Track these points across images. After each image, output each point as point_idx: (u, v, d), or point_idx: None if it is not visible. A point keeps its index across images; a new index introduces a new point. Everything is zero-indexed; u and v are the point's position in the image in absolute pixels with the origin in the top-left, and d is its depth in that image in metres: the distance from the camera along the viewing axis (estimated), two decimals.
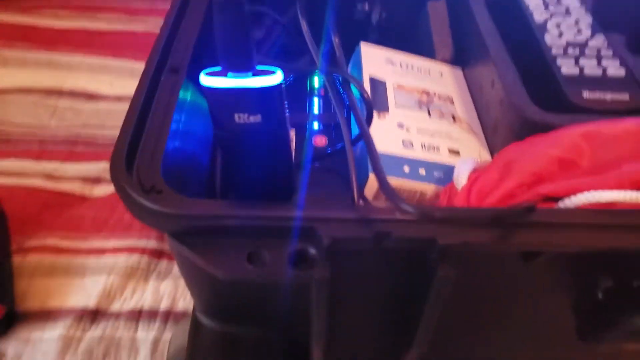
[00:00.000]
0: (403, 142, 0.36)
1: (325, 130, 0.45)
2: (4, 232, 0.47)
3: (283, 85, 0.21)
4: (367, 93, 0.31)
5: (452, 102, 0.41)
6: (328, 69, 0.31)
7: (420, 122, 0.38)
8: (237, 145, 0.22)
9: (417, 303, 0.25)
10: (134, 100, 0.28)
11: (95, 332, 0.42)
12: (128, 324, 0.42)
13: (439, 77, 0.43)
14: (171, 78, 0.30)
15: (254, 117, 0.21)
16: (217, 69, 0.20)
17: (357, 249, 0.23)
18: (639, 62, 0.37)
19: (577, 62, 0.36)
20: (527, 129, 0.32)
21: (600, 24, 0.40)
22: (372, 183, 0.33)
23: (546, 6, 0.41)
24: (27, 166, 0.54)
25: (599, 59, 0.37)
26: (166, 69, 0.30)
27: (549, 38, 0.38)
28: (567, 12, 0.41)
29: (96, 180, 0.53)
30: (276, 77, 0.20)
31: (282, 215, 0.22)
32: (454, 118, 0.39)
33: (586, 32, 0.39)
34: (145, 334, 0.42)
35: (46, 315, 0.43)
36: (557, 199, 0.27)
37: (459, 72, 0.45)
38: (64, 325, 0.42)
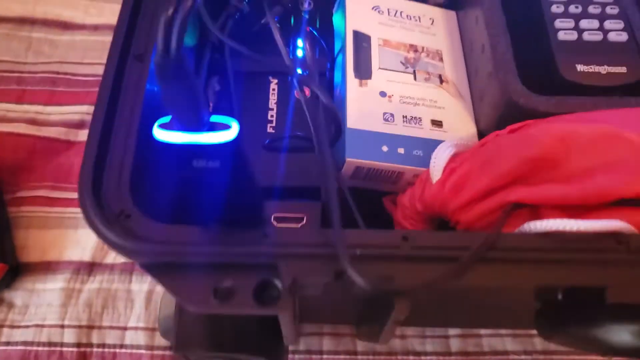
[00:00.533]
0: (384, 115, 0.35)
1: (307, 77, 0.43)
2: None
3: (238, 137, 0.19)
4: (334, 108, 0.29)
5: (440, 58, 0.38)
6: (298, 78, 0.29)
7: (405, 87, 0.36)
8: (198, 184, 0.21)
9: (376, 321, 0.26)
10: (97, 111, 0.26)
11: (92, 284, 0.44)
12: (122, 277, 0.44)
13: (429, 25, 0.40)
14: (136, 69, 0.28)
15: (213, 163, 0.20)
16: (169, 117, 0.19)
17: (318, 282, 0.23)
18: None
19: (577, 23, 0.33)
20: (511, 110, 0.31)
21: None
22: (348, 167, 0.33)
23: None
24: (10, 109, 0.53)
25: (601, 19, 0.33)
26: (130, 57, 0.28)
27: None
28: None
29: (80, 125, 0.52)
30: (232, 132, 0.19)
31: (247, 251, 0.22)
32: (441, 79, 0.37)
33: None
34: (139, 286, 0.44)
35: (46, 267, 0.45)
36: (525, 205, 0.27)
37: (452, 18, 0.41)
38: (64, 278, 0.44)
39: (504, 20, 0.34)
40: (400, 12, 0.40)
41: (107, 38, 0.57)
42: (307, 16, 0.43)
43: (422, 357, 0.42)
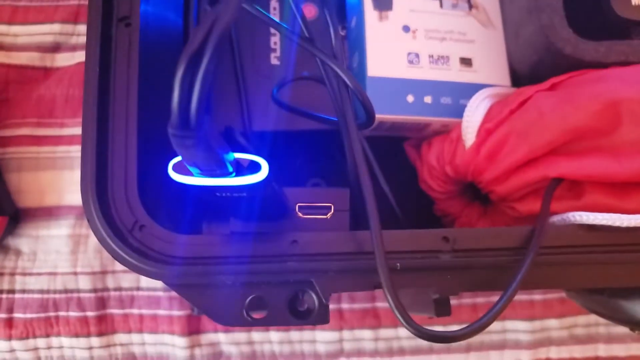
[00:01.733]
0: (408, 55, 0.31)
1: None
2: None
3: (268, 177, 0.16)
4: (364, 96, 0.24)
5: None
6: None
7: (430, 18, 0.31)
8: (222, 207, 0.19)
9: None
10: (87, 102, 0.22)
11: None
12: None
13: None
14: (124, 37, 0.23)
15: (238, 193, 0.17)
16: None
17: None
18: None
19: None
20: (554, 58, 0.27)
21: None
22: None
23: None
24: None
25: None
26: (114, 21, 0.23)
27: None
28: None
29: (54, 48, 0.47)
30: (261, 174, 0.16)
31: (279, 269, 0.20)
32: (470, 4, 0.32)
33: None
34: None
35: (47, 213, 0.43)
36: (564, 180, 0.25)
37: None
38: (68, 224, 0.43)
39: None
40: None
41: None
42: None
43: None
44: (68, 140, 0.45)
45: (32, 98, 0.45)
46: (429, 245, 0.22)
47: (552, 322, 0.42)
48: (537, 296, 0.42)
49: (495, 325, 0.42)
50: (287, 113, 0.31)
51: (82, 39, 0.48)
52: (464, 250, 0.21)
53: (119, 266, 0.42)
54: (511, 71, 0.32)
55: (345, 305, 0.42)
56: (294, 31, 0.26)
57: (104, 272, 0.42)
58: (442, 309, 0.21)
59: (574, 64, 0.27)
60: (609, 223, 0.22)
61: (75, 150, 0.45)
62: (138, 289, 0.42)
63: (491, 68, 0.31)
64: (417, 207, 0.34)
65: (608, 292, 0.26)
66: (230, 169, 0.16)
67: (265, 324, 0.21)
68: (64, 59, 0.47)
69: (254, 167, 0.16)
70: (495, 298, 0.20)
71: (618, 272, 0.22)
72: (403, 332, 0.43)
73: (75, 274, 0.42)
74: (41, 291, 0.42)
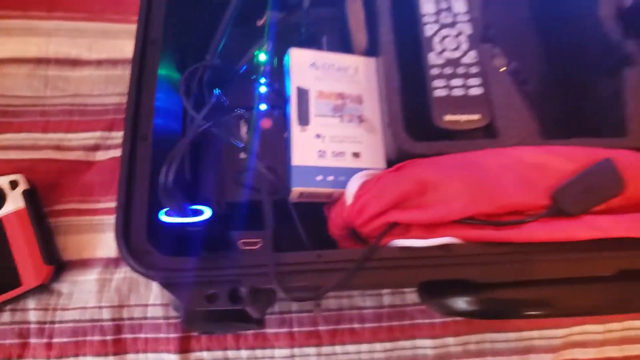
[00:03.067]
0: (318, 152, 0.49)
1: (271, 110, 0.56)
2: (39, 201, 0.62)
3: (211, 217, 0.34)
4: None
5: (361, 101, 0.52)
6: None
7: (334, 129, 0.50)
8: (189, 235, 0.36)
9: None
10: (120, 181, 0.40)
11: (119, 274, 0.60)
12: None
13: (353, 74, 0.53)
14: (142, 148, 0.42)
15: (197, 228, 0.35)
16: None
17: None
18: (499, 75, 0.47)
19: (448, 82, 0.47)
20: (399, 152, 0.45)
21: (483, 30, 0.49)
22: (294, 193, 0.47)
23: (437, 15, 0.50)
24: (38, 138, 0.67)
25: (466, 77, 0.47)
26: (138, 137, 0.42)
27: (432, 56, 0.48)
28: (453, 23, 0.49)
29: (95, 148, 0.66)
30: (206, 215, 0.34)
31: (221, 273, 0.37)
32: (360, 119, 0.51)
33: (463, 47, 0.48)
34: None
35: (83, 264, 0.61)
36: (398, 224, 0.41)
37: (372, 64, 0.54)
38: (97, 271, 0.60)
39: (398, 78, 0.47)
40: (331, 65, 0.53)
41: (110, 72, 0.71)
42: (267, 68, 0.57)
43: (363, 311, 0.58)
44: (102, 211, 0.63)
45: (78, 182, 0.64)
46: (309, 258, 0.38)
47: (450, 340, 0.57)
48: (437, 320, 0.57)
49: (407, 343, 0.57)
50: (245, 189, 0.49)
51: (115, 141, 0.68)
52: (328, 262, 0.38)
53: (132, 301, 0.59)
54: (387, 158, 0.49)
55: (295, 329, 0.58)
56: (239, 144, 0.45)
57: (121, 306, 0.59)
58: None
59: (411, 156, 0.45)
60: (411, 245, 0.38)
61: (107, 219, 0.63)
62: (145, 318, 0.58)
63: (373, 158, 0.49)
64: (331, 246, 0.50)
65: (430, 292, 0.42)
66: (190, 215, 0.34)
67: (216, 307, 0.37)
68: (100, 155, 0.66)
69: (201, 213, 0.34)
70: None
71: (418, 275, 0.38)
72: (340, 348, 0.57)
73: (100, 307, 0.59)
74: (74, 321, 0.58)
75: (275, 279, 0.36)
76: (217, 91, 0.44)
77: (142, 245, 0.39)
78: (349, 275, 0.37)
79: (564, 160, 0.41)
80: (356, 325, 0.58)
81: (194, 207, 0.34)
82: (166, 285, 0.38)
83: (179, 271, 0.38)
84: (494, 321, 0.57)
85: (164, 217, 0.33)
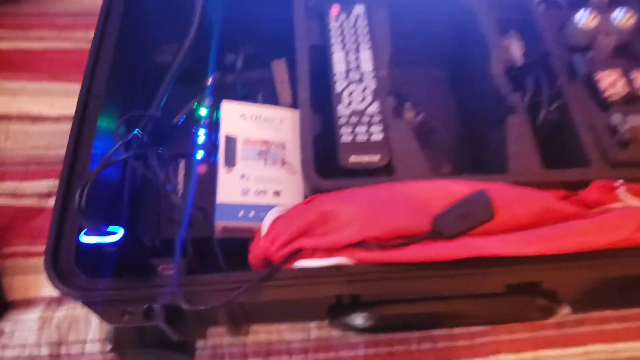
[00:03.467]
0: (242, 190, 0.54)
1: (207, 157, 0.62)
2: None
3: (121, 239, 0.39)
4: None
5: (284, 147, 0.58)
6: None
7: (258, 170, 0.56)
8: (108, 257, 0.41)
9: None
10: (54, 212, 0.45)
11: (61, 312, 0.63)
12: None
13: (278, 124, 0.60)
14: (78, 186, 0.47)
15: (112, 248, 0.40)
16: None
17: None
18: (398, 123, 0.54)
19: (353, 130, 0.53)
20: (311, 188, 0.51)
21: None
22: (217, 227, 0.53)
23: (347, 73, 0.57)
24: None
25: (369, 125, 0.54)
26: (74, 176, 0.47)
27: (341, 108, 0.55)
28: (360, 80, 0.57)
29: (48, 195, 0.71)
30: (117, 235, 0.39)
31: (137, 293, 0.42)
32: (282, 162, 0.57)
33: (368, 99, 0.55)
34: None
35: (27, 303, 0.64)
36: (301, 250, 0.46)
37: (296, 116, 0.61)
38: (40, 309, 0.63)
39: (312, 127, 0.54)
40: (259, 116, 0.60)
41: (68, 126, 0.77)
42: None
43: (291, 345, 0.61)
44: None
45: (29, 227, 0.69)
46: (218, 279, 0.43)
47: None
48: (360, 351, 0.60)
49: None
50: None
51: None
52: (234, 282, 0.43)
53: (71, 337, 0.61)
54: (305, 195, 0.55)
55: None
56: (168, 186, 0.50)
57: (59, 343, 0.61)
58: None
59: (321, 191, 0.50)
60: (307, 265, 0.43)
61: None
62: (83, 354, 0.61)
63: (292, 195, 0.55)
64: None
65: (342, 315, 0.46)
66: (105, 231, 0.38)
67: (133, 324, 0.41)
68: (52, 202, 0.71)
69: (114, 233, 0.39)
70: None
71: (312, 291, 0.43)
72: None
73: (39, 345, 0.61)
74: (14, 358, 0.60)
75: (182, 296, 0.41)
76: (136, 130, 0.50)
77: (70, 267, 0.43)
78: (252, 289, 0.41)
79: (447, 191, 0.47)
80: (284, 358, 0.61)
81: (110, 228, 0.39)
82: (87, 304, 0.42)
83: (98, 290, 0.42)
84: (410, 354, 0.61)
85: (83, 238, 0.38)
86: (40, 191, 0.71)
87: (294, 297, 0.43)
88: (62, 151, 0.75)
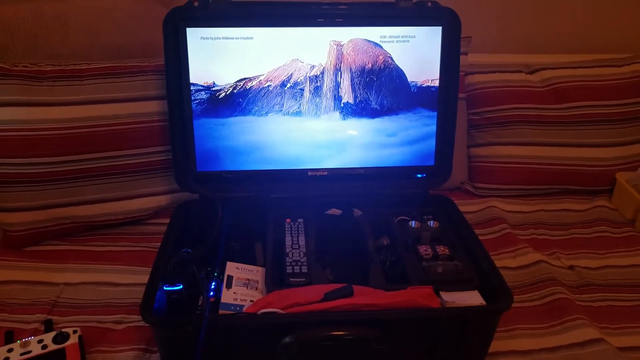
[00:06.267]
0: (234, 299, 1.04)
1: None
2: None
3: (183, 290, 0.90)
4: None
5: (258, 282, 1.10)
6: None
7: (243, 291, 1.06)
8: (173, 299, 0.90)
9: None
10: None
11: None
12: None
13: (255, 272, 1.13)
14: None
15: (177, 294, 0.90)
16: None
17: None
18: (319, 270, 1.08)
19: (292, 268, 1.07)
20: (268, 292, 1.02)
21: None
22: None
23: (292, 247, 1.14)
24: None
25: (300, 265, 1.08)
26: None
27: (288, 260, 1.09)
28: (299, 248, 1.13)
29: None
30: (180, 290, 0.90)
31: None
32: (256, 288, 1.08)
33: (302, 255, 1.10)
34: None
35: None
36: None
37: (263, 270, 1.14)
38: None
39: (271, 276, 1.07)
40: (244, 268, 1.13)
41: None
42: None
43: None
44: None
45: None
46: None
47: None
48: None
49: None
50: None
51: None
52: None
53: None
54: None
55: None
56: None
57: None
58: None
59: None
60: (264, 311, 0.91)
61: None
62: None
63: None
64: None
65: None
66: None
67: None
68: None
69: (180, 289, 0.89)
70: None
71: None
72: None
73: None
74: None
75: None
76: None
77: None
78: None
79: (333, 287, 0.98)
80: None
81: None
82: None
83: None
84: None
85: (164, 288, 0.88)
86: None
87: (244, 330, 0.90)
88: None
